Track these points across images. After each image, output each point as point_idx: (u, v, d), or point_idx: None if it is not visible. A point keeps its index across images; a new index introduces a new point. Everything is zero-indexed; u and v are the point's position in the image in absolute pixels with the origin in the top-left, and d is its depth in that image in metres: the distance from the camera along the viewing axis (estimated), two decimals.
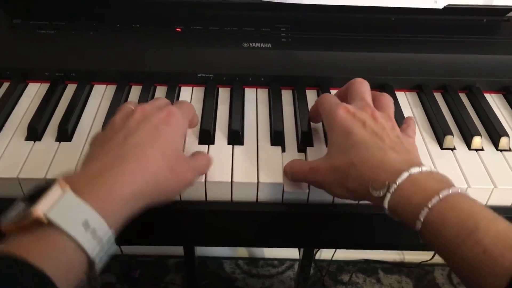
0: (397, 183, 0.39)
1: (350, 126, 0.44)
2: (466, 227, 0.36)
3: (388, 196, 0.39)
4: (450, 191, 0.38)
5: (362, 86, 0.49)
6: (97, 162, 0.39)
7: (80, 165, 0.44)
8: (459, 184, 0.50)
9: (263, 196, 0.50)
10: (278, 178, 0.50)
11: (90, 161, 0.41)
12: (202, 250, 1.37)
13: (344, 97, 0.51)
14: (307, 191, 0.49)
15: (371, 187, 0.41)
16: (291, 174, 0.49)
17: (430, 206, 0.37)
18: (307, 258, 1.13)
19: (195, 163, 0.47)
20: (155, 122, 0.43)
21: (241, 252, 1.39)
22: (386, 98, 0.49)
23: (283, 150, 0.53)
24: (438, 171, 0.41)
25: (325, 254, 1.36)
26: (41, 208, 0.34)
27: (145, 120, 0.43)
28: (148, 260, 1.34)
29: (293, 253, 1.37)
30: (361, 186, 0.42)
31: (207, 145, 0.53)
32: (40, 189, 0.36)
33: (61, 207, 0.34)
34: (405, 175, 0.39)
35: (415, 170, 0.39)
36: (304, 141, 0.54)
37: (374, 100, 0.49)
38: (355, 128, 0.44)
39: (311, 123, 0.56)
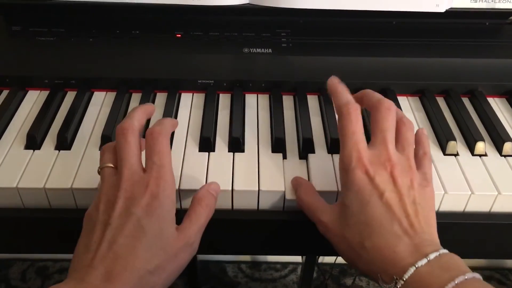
0: (404, 279, 0.39)
1: (368, 197, 0.42)
2: None
3: None
4: (456, 281, 0.37)
5: (387, 121, 0.45)
6: (87, 277, 0.39)
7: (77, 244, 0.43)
8: (463, 190, 0.50)
9: (264, 204, 0.50)
10: (280, 186, 0.49)
11: (80, 266, 0.40)
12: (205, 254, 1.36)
13: (363, 105, 0.48)
14: None
15: (380, 280, 0.41)
16: (299, 201, 0.48)
17: None
18: (310, 262, 1.13)
19: (192, 226, 0.44)
20: (137, 214, 0.41)
21: (244, 256, 1.38)
22: (407, 130, 0.47)
23: (284, 157, 0.53)
24: (448, 252, 0.40)
25: (328, 257, 1.35)
26: None
27: (127, 214, 0.41)
28: None
29: (296, 256, 1.37)
30: (371, 272, 0.42)
31: (207, 153, 0.53)
32: None
33: None
34: (411, 270, 0.39)
35: (422, 262, 0.39)
36: (306, 148, 0.54)
37: (396, 131, 0.46)
38: (372, 200, 0.42)
39: (312, 131, 0.55)
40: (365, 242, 0.42)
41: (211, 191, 0.47)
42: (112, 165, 0.45)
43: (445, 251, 0.41)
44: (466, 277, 0.38)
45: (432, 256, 0.39)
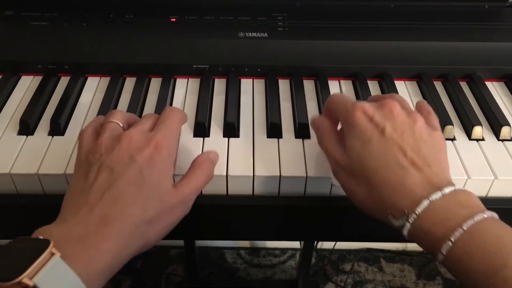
0: (417, 212, 0.37)
1: (370, 134, 0.41)
2: (493, 264, 0.34)
3: (408, 226, 0.38)
4: (475, 219, 0.35)
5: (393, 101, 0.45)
6: (81, 220, 0.38)
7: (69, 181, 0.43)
8: (459, 175, 0.50)
9: (259, 189, 0.50)
10: (275, 171, 0.49)
11: (74, 208, 0.40)
12: (204, 241, 1.37)
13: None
14: (305, 175, 0.49)
15: (390, 215, 0.39)
16: (320, 142, 0.47)
17: (453, 239, 0.35)
18: (309, 247, 1.13)
19: (189, 186, 0.44)
20: (139, 163, 0.41)
21: (243, 242, 1.39)
22: (398, 96, 0.46)
23: (280, 142, 0.52)
24: (464, 189, 0.39)
25: (326, 243, 1.35)
26: (30, 274, 0.33)
27: (129, 161, 0.41)
28: (149, 250, 1.34)
29: (294, 242, 1.37)
30: (380, 211, 0.40)
31: (202, 138, 0.52)
32: (29, 243, 0.35)
33: (50, 275, 0.33)
34: (425, 203, 0.37)
35: (436, 195, 0.37)
36: (302, 133, 0.53)
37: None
38: (374, 136, 0.41)
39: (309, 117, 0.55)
40: (371, 178, 0.40)
41: (211, 158, 0.47)
42: (120, 124, 0.45)
43: (461, 187, 0.39)
44: (485, 215, 0.36)
45: (447, 190, 0.37)
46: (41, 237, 0.36)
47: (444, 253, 0.36)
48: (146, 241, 0.41)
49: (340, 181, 0.44)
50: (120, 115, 0.46)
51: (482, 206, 0.38)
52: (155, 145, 0.42)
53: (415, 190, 0.38)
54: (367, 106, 0.43)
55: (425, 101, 0.48)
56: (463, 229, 0.35)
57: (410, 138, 0.41)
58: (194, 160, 0.46)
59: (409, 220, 0.38)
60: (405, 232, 0.38)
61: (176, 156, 0.46)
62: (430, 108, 0.46)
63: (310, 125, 0.49)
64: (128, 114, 0.47)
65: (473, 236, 0.35)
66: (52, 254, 0.34)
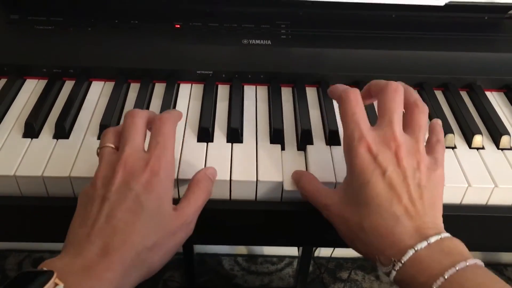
0: (402, 261, 0.38)
1: (369, 176, 0.41)
2: None
3: (394, 273, 0.39)
4: (457, 267, 0.36)
5: (394, 102, 0.44)
6: (83, 251, 0.38)
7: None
8: (460, 183, 0.50)
9: (262, 194, 0.50)
10: (278, 176, 0.49)
11: (76, 240, 0.40)
12: (201, 247, 1.37)
13: (374, 95, 0.47)
14: None
15: (378, 261, 0.41)
16: (302, 191, 0.48)
17: (434, 287, 0.36)
18: (306, 255, 1.13)
19: (190, 207, 0.44)
20: (136, 190, 0.40)
21: (240, 249, 1.39)
22: (420, 113, 0.45)
23: (283, 148, 0.53)
24: (450, 236, 0.40)
25: (324, 251, 1.35)
26: None
27: (126, 189, 0.41)
28: None
29: (292, 250, 1.37)
30: (369, 254, 0.42)
31: (206, 143, 0.53)
32: (33, 275, 0.36)
33: None
34: (410, 252, 0.38)
35: (422, 245, 0.38)
36: (304, 139, 0.54)
37: (406, 111, 0.45)
38: (373, 179, 0.41)
39: (311, 121, 0.55)
40: (364, 222, 0.41)
41: (209, 175, 0.47)
42: (112, 146, 0.45)
43: (447, 235, 0.39)
44: (467, 263, 0.37)
45: (433, 239, 0.38)
46: (45, 269, 0.36)
47: None
48: (149, 268, 0.41)
49: (333, 224, 0.45)
50: (111, 135, 0.45)
51: (466, 253, 0.39)
52: (151, 170, 0.42)
53: (403, 239, 0.39)
54: (373, 143, 0.42)
55: (440, 124, 0.48)
56: (444, 278, 0.36)
57: (410, 184, 0.41)
58: (192, 179, 0.46)
59: (395, 268, 0.39)
60: (391, 278, 0.40)
61: (175, 158, 0.46)
62: (441, 136, 0.46)
63: (291, 180, 0.49)
64: (120, 126, 0.46)
65: (453, 285, 0.36)
66: (56, 284, 0.35)
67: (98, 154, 0.45)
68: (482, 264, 0.38)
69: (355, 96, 0.45)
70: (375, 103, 0.57)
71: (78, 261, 0.38)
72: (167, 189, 0.43)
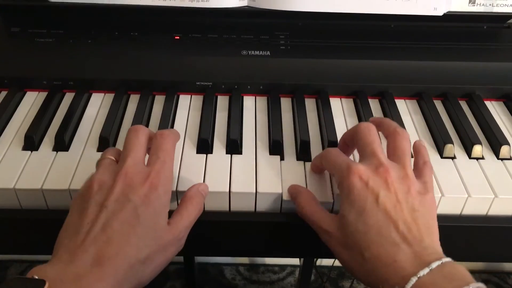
0: None
1: (363, 203, 0.42)
2: None
3: None
4: None
5: (370, 135, 0.46)
6: (76, 259, 0.38)
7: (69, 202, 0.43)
8: (460, 193, 0.50)
9: (262, 206, 0.50)
10: (277, 188, 0.49)
11: (69, 247, 0.39)
12: (203, 256, 1.36)
13: (349, 143, 0.49)
14: None
15: None
16: (301, 210, 0.47)
17: None
18: (308, 264, 1.12)
19: (182, 222, 0.44)
20: (134, 202, 0.41)
21: (242, 258, 1.38)
22: (402, 140, 0.46)
23: (282, 159, 0.53)
24: (451, 260, 0.40)
25: (326, 260, 1.35)
26: None
27: (124, 199, 0.41)
28: None
29: (294, 259, 1.37)
30: (372, 283, 0.41)
31: (205, 155, 0.53)
32: (24, 283, 0.36)
33: None
34: (413, 280, 0.38)
35: (424, 271, 0.38)
36: (303, 150, 0.54)
37: (388, 140, 0.47)
38: (368, 206, 0.42)
39: (309, 133, 0.56)
40: (365, 253, 0.41)
41: (201, 191, 0.47)
42: (113, 158, 0.45)
43: (448, 259, 0.40)
44: None
45: (434, 265, 0.39)
46: (36, 277, 0.36)
47: None
48: (139, 281, 0.41)
49: (332, 250, 0.45)
50: (112, 151, 0.46)
51: (468, 278, 0.39)
52: (150, 184, 0.42)
53: (405, 267, 0.40)
54: (363, 170, 0.43)
55: (422, 144, 0.49)
56: None
57: (404, 210, 0.42)
58: (185, 194, 0.46)
59: None
60: None
61: (174, 166, 0.46)
62: (426, 157, 0.47)
63: (288, 193, 0.49)
64: (117, 149, 0.47)
65: None
66: None
67: (97, 165, 0.45)
68: (485, 287, 0.38)
69: (334, 149, 0.48)
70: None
71: (70, 270, 0.37)
72: (164, 204, 0.43)
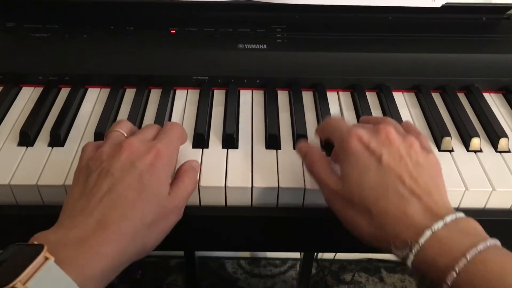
0: (420, 243, 0.37)
1: (366, 164, 0.41)
2: None
3: (411, 257, 0.38)
4: (479, 248, 0.35)
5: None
6: (79, 223, 0.38)
7: (68, 192, 0.43)
8: (457, 187, 0.50)
9: (258, 200, 0.50)
10: (273, 182, 0.49)
11: (73, 213, 0.40)
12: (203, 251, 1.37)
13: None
14: (303, 187, 0.49)
15: (393, 246, 0.39)
16: (311, 167, 0.46)
17: (457, 270, 0.35)
18: (309, 258, 1.13)
19: (181, 192, 0.44)
20: (140, 169, 0.41)
21: (243, 252, 1.39)
22: (388, 118, 0.47)
23: (279, 153, 0.53)
24: (464, 216, 0.39)
25: (327, 253, 1.35)
26: (23, 279, 0.32)
27: (130, 166, 0.41)
28: (150, 260, 1.34)
29: (295, 253, 1.37)
30: (382, 241, 0.40)
31: (201, 149, 0.53)
32: (23, 249, 0.35)
33: (43, 280, 0.33)
34: (427, 233, 0.37)
35: (438, 225, 0.37)
36: None
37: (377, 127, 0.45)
38: (371, 166, 0.41)
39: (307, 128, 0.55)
40: (372, 208, 0.40)
41: (195, 167, 0.48)
42: (124, 133, 0.46)
43: (462, 214, 0.38)
44: (488, 244, 0.36)
45: (448, 218, 0.37)
46: (36, 242, 0.36)
47: (449, 283, 0.35)
48: (144, 246, 0.41)
49: (337, 211, 0.44)
50: (125, 125, 0.47)
51: (484, 233, 0.38)
52: (156, 153, 0.43)
53: (417, 220, 0.38)
54: (363, 132, 0.43)
55: (410, 122, 0.49)
56: (467, 259, 0.35)
57: (408, 164, 0.41)
58: (179, 169, 0.47)
59: (413, 251, 0.37)
60: (409, 263, 0.38)
61: (175, 168, 0.46)
62: (417, 129, 0.47)
63: (296, 151, 0.49)
64: (134, 126, 0.49)
65: (477, 266, 0.35)
66: (46, 258, 0.34)
67: (105, 136, 0.46)
68: (500, 244, 0.37)
69: (339, 117, 0.50)
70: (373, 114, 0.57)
71: (72, 234, 0.37)
72: (167, 174, 0.44)
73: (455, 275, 0.35)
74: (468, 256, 0.35)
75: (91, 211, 0.39)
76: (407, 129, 0.46)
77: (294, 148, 0.53)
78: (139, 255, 0.41)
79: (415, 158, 0.42)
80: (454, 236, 0.37)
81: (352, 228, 0.43)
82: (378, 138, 0.42)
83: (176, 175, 0.46)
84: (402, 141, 0.42)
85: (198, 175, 0.49)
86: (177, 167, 0.47)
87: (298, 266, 1.36)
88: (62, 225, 0.39)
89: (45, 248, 0.34)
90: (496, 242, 0.37)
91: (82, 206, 0.39)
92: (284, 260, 1.37)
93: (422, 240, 0.37)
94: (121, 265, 0.39)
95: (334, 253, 1.33)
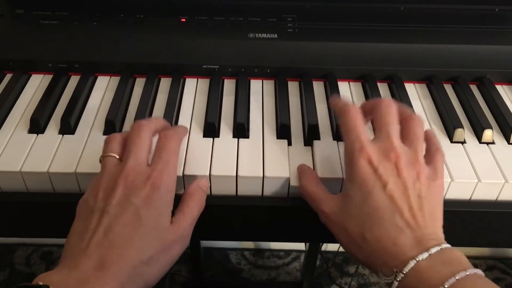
0: (404, 272, 0.39)
1: (370, 188, 0.42)
2: None
3: (396, 283, 0.39)
4: (457, 277, 0.37)
5: (389, 115, 0.45)
6: (79, 264, 0.38)
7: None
8: (470, 178, 0.49)
9: (269, 190, 0.50)
10: (284, 172, 0.49)
11: (73, 253, 0.40)
12: (208, 241, 1.37)
13: (367, 114, 0.48)
14: None
15: (380, 272, 0.41)
16: (301, 190, 0.47)
17: None
18: (313, 249, 1.13)
19: (185, 219, 0.44)
20: (136, 204, 0.41)
21: (247, 243, 1.39)
22: (416, 125, 0.46)
23: (289, 144, 0.53)
24: (450, 247, 0.40)
25: (331, 245, 1.35)
26: None
27: (126, 203, 0.41)
28: None
29: (299, 244, 1.37)
30: (371, 265, 0.42)
31: (212, 138, 0.52)
32: None
33: None
34: (412, 263, 0.39)
35: (423, 256, 0.39)
36: (311, 134, 0.53)
37: (403, 124, 0.46)
38: (375, 191, 0.42)
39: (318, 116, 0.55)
40: (366, 234, 0.41)
41: (202, 187, 0.47)
42: (116, 156, 0.44)
43: (448, 245, 0.40)
44: (467, 273, 0.37)
45: (433, 250, 0.39)
46: (41, 283, 0.36)
47: None
48: (145, 282, 0.41)
49: (332, 231, 0.45)
50: (115, 144, 0.45)
51: (466, 264, 0.39)
52: (152, 184, 0.42)
53: (405, 251, 0.40)
54: (374, 154, 0.43)
55: (433, 133, 0.48)
56: (445, 287, 0.37)
57: (410, 196, 0.42)
58: (186, 191, 0.46)
59: (397, 278, 0.39)
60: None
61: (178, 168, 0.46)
62: (438, 145, 0.47)
63: (296, 170, 0.49)
64: (125, 135, 0.46)
65: None
66: None
67: (100, 161, 0.45)
68: (483, 274, 0.39)
69: (355, 109, 0.46)
70: None
71: (74, 275, 0.38)
72: (166, 204, 0.43)
73: None
74: (446, 285, 0.37)
75: (90, 252, 0.39)
76: (428, 140, 0.47)
77: (304, 138, 0.53)
78: None
79: (418, 190, 0.42)
80: (436, 266, 0.38)
81: (345, 248, 0.45)
82: (388, 164, 0.42)
83: (182, 199, 0.46)
84: (410, 171, 0.43)
85: (209, 166, 0.49)
86: (185, 159, 0.47)
87: (302, 257, 1.36)
88: (64, 266, 0.39)
89: None
90: (476, 271, 0.38)
91: (82, 247, 0.39)
92: (288, 252, 1.38)
93: (406, 270, 0.39)
94: None
95: (339, 245, 1.33)
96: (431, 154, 0.46)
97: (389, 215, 0.41)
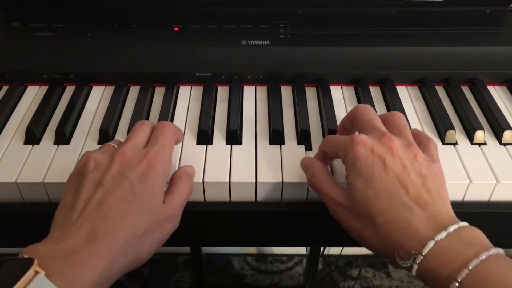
0: (423, 254, 0.37)
1: (371, 168, 0.41)
2: None
3: (415, 267, 0.38)
4: (480, 258, 0.35)
5: (368, 113, 0.46)
6: (69, 236, 0.38)
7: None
8: (462, 180, 0.50)
9: (262, 195, 0.50)
10: (277, 177, 0.49)
11: (63, 225, 0.39)
12: (210, 247, 1.37)
13: (349, 127, 0.49)
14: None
15: (397, 256, 0.39)
16: (313, 180, 0.46)
17: (459, 279, 0.35)
18: (315, 253, 1.13)
19: (176, 199, 0.44)
20: (131, 179, 0.41)
21: (249, 248, 1.39)
22: (398, 118, 0.46)
23: (282, 149, 0.53)
24: (468, 225, 0.39)
25: (333, 249, 1.35)
26: None
27: (121, 177, 0.41)
28: (157, 257, 1.35)
29: (301, 248, 1.37)
30: (387, 250, 0.40)
31: (205, 145, 0.53)
32: (13, 263, 0.35)
33: None
34: (430, 244, 0.37)
35: (441, 235, 0.37)
36: (304, 140, 0.53)
37: (386, 123, 0.46)
38: (376, 172, 0.41)
39: (309, 122, 0.55)
40: (377, 219, 0.40)
41: (189, 172, 0.48)
42: (115, 146, 0.46)
43: (465, 223, 0.38)
44: (490, 253, 0.36)
45: (451, 228, 0.37)
46: (26, 256, 0.36)
47: None
48: (137, 257, 0.41)
49: (342, 223, 0.44)
50: (116, 141, 0.48)
51: (487, 242, 0.38)
52: (148, 162, 0.42)
53: (421, 230, 0.38)
54: (367, 138, 0.43)
55: (420, 130, 0.48)
56: (469, 269, 0.35)
57: (411, 173, 0.41)
58: (174, 175, 0.47)
59: (417, 261, 0.38)
60: (413, 272, 0.38)
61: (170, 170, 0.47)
62: (427, 136, 0.47)
63: (300, 165, 0.49)
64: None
65: (478, 276, 0.35)
66: (37, 272, 0.34)
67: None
68: (503, 252, 0.37)
69: (335, 135, 0.48)
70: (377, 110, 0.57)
71: (62, 246, 0.37)
72: (161, 183, 0.44)
73: (457, 285, 0.35)
74: (470, 266, 0.35)
75: (81, 223, 0.39)
76: (417, 137, 0.46)
77: (297, 143, 0.54)
78: (132, 266, 0.41)
79: (418, 169, 0.42)
80: (456, 246, 0.37)
81: (358, 239, 0.43)
82: (381, 146, 0.42)
83: (171, 182, 0.46)
84: (406, 151, 0.42)
85: (202, 173, 0.49)
86: (179, 166, 0.47)
87: (304, 262, 1.36)
88: (52, 237, 0.39)
89: (35, 262, 0.34)
90: (498, 250, 0.37)
91: (73, 218, 0.39)
92: (290, 256, 1.38)
93: (425, 251, 0.37)
94: (113, 276, 0.39)
95: (341, 249, 1.33)
96: (424, 143, 0.45)
97: (396, 194, 0.40)
